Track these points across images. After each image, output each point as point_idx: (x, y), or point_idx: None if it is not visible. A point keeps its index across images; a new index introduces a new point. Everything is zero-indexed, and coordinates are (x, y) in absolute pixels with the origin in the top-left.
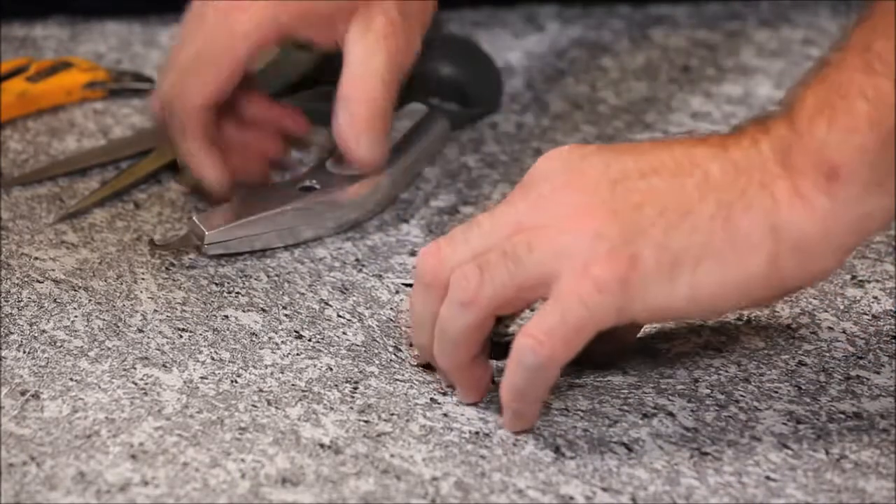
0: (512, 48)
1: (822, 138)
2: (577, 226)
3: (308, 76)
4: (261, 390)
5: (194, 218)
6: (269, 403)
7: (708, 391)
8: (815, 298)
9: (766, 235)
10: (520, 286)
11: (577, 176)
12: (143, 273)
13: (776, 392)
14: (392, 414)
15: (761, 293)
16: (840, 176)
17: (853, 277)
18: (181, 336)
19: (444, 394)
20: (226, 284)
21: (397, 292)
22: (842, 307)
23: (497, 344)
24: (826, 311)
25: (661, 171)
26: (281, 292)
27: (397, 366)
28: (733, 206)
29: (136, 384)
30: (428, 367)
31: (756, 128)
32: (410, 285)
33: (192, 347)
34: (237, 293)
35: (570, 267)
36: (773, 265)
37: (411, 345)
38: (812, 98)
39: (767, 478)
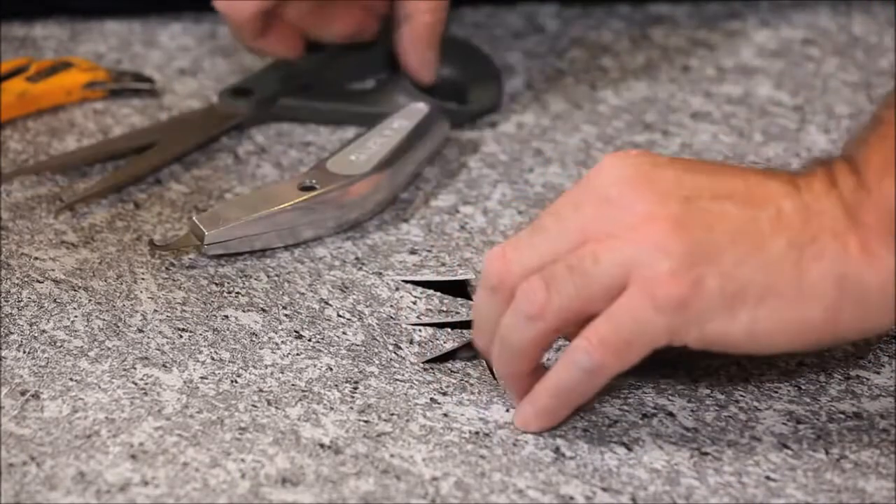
0: (512, 48)
1: (893, 197)
2: (643, 237)
3: (313, 77)
4: (261, 390)
5: (194, 218)
6: (269, 403)
7: (708, 391)
8: None
9: (832, 285)
10: (587, 299)
11: (648, 184)
12: (143, 273)
13: (776, 392)
14: (392, 414)
15: (816, 339)
16: None
17: None
18: (181, 336)
19: (444, 394)
20: (226, 284)
21: (397, 289)
22: None
23: None
24: None
25: (734, 198)
26: (281, 292)
27: (397, 365)
28: (804, 250)
29: (136, 384)
30: (432, 361)
31: (824, 174)
32: (410, 282)
33: (192, 347)
34: (237, 293)
35: (633, 279)
36: (834, 314)
37: (412, 342)
38: (877, 156)
39: (767, 478)
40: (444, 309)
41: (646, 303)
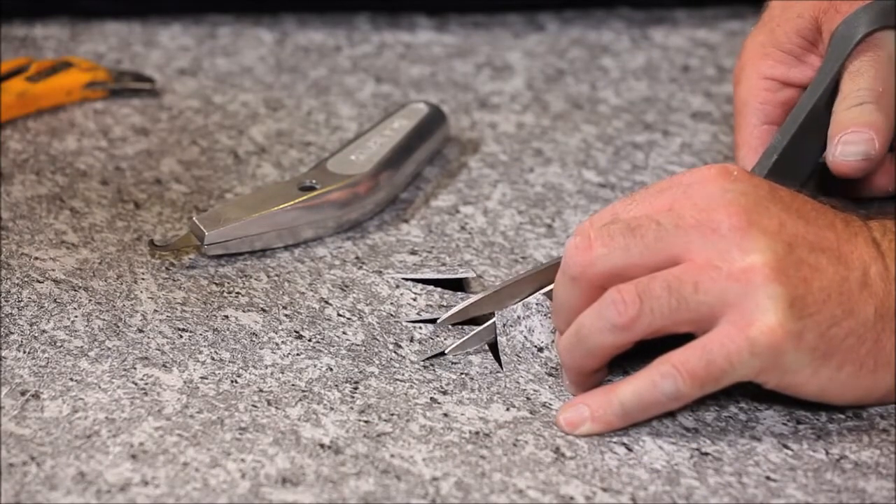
0: (512, 48)
1: None
2: (749, 278)
3: None
4: (261, 390)
5: (194, 218)
6: (269, 403)
7: None
8: None
9: None
10: (676, 321)
11: (756, 220)
12: (143, 273)
13: (776, 392)
14: (392, 414)
15: (876, 401)
16: None
17: None
18: (181, 336)
19: (445, 393)
20: (226, 284)
21: (397, 287)
22: None
23: None
24: None
25: (827, 252)
26: (281, 292)
27: (397, 365)
28: (886, 321)
29: (136, 384)
30: (430, 358)
31: None
32: (410, 280)
33: (192, 347)
34: (237, 293)
35: (731, 316)
36: None
37: (412, 340)
38: None
39: (767, 478)
40: (445, 304)
41: (744, 345)
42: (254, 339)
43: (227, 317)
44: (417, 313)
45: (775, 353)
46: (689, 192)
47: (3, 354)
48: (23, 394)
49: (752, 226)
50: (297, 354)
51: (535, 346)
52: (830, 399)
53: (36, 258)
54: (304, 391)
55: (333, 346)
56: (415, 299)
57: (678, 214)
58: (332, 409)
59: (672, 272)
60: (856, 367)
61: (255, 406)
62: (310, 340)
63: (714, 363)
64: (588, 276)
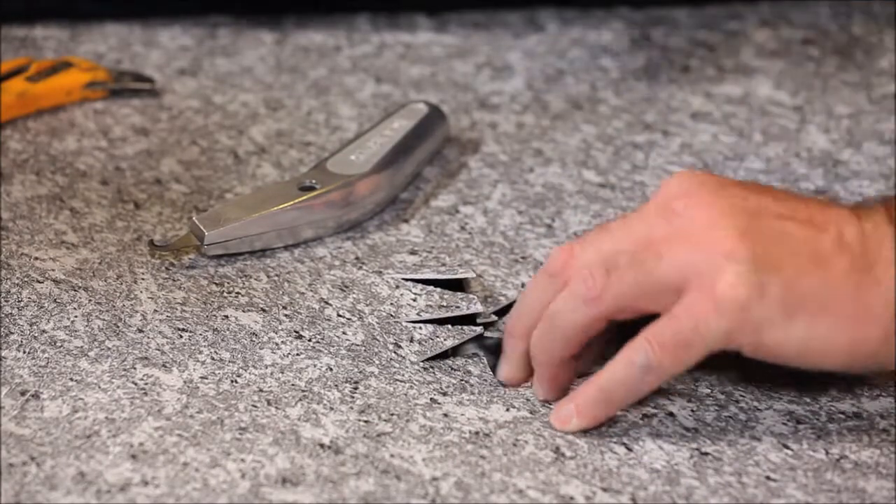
0: (512, 48)
1: None
2: (709, 242)
3: None
4: (261, 390)
5: (194, 218)
6: (269, 403)
7: (708, 391)
8: None
9: (885, 310)
10: (644, 292)
11: (715, 199)
12: (143, 273)
13: (776, 392)
14: (392, 414)
15: (865, 363)
16: None
17: None
18: (181, 336)
19: (444, 394)
20: (226, 284)
21: (397, 287)
22: None
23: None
24: None
25: (797, 219)
26: (281, 292)
27: (397, 365)
28: (864, 273)
29: (136, 384)
30: (430, 360)
31: (883, 209)
32: (410, 280)
33: (192, 347)
34: (237, 293)
35: (696, 282)
36: (885, 341)
37: (412, 340)
38: None
39: (767, 478)
40: (444, 304)
41: (708, 305)
42: (254, 339)
43: (227, 317)
44: (417, 313)
45: (740, 308)
46: (654, 195)
47: (3, 354)
48: (23, 394)
49: (709, 200)
50: (297, 354)
51: None
52: (815, 360)
53: (36, 258)
54: (304, 391)
55: (333, 346)
56: (415, 299)
57: (643, 211)
58: (332, 409)
59: (637, 247)
60: (833, 318)
61: (255, 406)
62: (310, 340)
63: (683, 327)
64: (567, 271)
